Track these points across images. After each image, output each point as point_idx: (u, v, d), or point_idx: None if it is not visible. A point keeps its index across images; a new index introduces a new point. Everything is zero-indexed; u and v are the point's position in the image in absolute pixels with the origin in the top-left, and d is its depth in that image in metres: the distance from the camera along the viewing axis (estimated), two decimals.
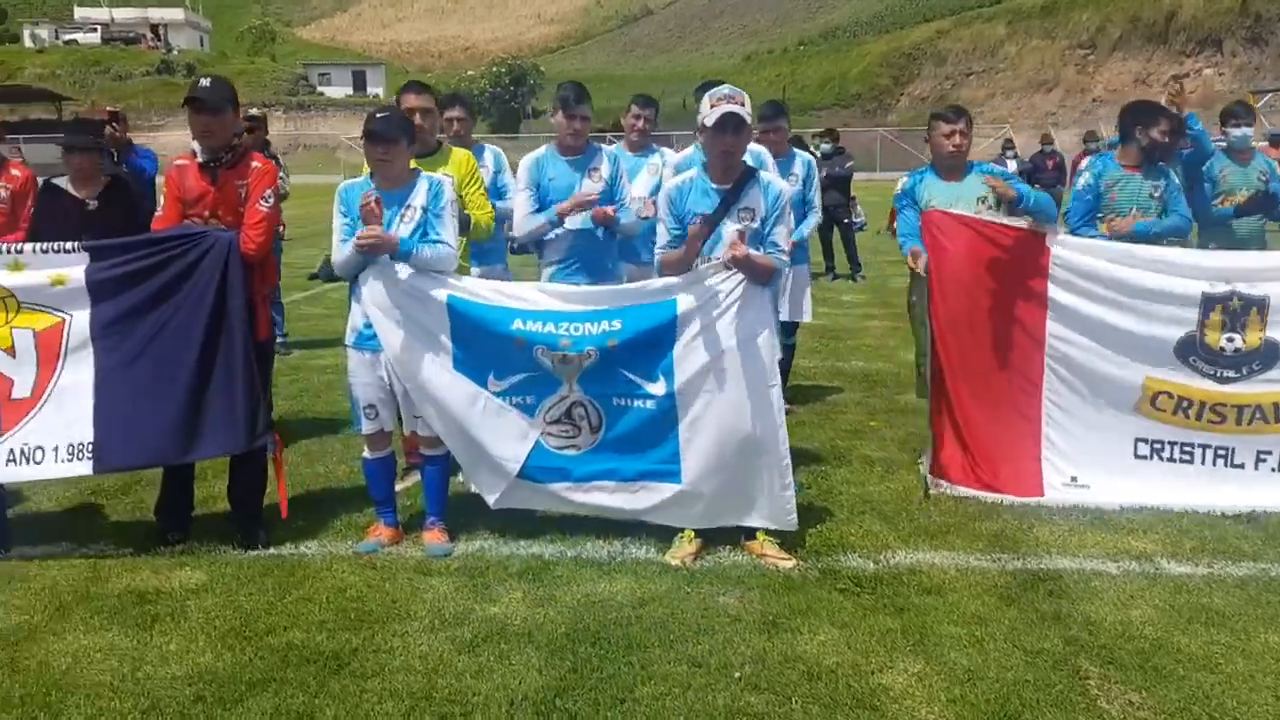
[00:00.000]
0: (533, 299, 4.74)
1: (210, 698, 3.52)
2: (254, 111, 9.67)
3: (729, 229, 4.52)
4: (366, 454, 4.88)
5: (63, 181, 5.89)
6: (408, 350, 4.64)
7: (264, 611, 4.15)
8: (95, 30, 77.12)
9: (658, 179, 6.99)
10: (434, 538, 4.78)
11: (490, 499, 4.82)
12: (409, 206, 4.66)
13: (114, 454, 4.61)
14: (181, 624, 4.06)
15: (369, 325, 4.68)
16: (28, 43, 75.98)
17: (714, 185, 4.63)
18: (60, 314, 4.63)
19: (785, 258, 4.66)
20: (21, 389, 4.59)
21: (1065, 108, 62.28)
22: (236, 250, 4.64)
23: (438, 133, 5.56)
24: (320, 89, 73.19)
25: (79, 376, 4.61)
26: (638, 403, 4.65)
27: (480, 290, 4.74)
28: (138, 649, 3.86)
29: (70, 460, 4.59)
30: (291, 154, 62.07)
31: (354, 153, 59.32)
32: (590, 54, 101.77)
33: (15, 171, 6.31)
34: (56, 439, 4.58)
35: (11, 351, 4.59)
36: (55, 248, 4.66)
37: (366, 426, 4.80)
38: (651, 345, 4.60)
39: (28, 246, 4.66)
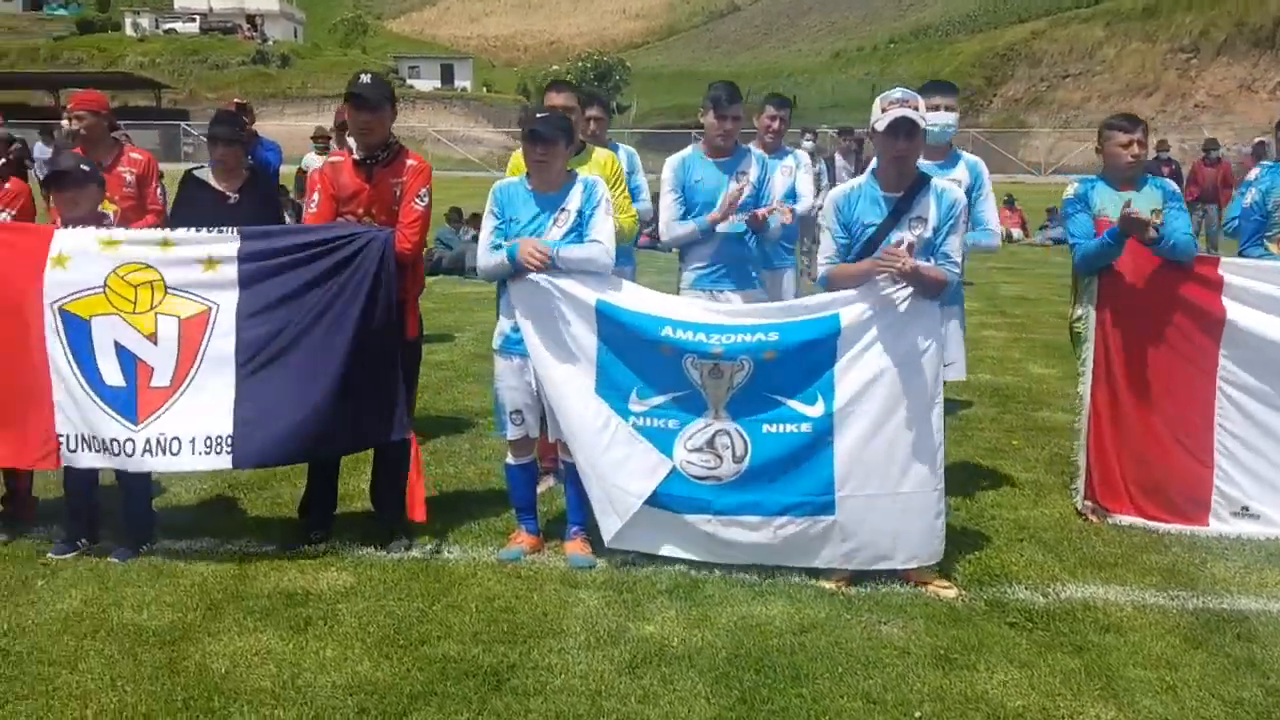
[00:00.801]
0: (685, 310, 4.59)
1: (374, 710, 3.44)
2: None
3: (900, 240, 4.32)
4: (510, 459, 4.77)
5: (204, 173, 5.91)
6: (550, 360, 4.51)
7: (415, 619, 4.07)
8: (194, 20, 78.92)
9: (792, 181, 6.81)
10: (577, 548, 4.66)
11: (606, 535, 4.55)
12: (563, 210, 4.54)
13: (253, 449, 4.57)
14: (335, 629, 3.99)
15: (516, 330, 4.57)
16: (129, 31, 78.09)
17: (884, 193, 4.42)
18: (206, 302, 4.60)
19: (957, 270, 4.43)
20: (161, 377, 4.57)
21: (1165, 113, 60.34)
22: (392, 249, 4.57)
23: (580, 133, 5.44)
24: (410, 81, 74.03)
25: (221, 367, 4.57)
26: (790, 428, 4.42)
27: (631, 296, 4.60)
28: (295, 654, 3.80)
29: (208, 453, 4.55)
30: None
31: (441, 145, 60.07)
32: (675, 50, 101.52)
33: (136, 155, 6.37)
34: (194, 430, 4.55)
35: (154, 338, 4.57)
36: (208, 229, 4.63)
37: (512, 432, 4.70)
38: (810, 361, 4.41)
39: (180, 229, 4.64)
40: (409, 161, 4.76)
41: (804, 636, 3.96)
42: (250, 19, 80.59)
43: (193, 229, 4.62)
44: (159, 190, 6.28)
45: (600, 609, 4.17)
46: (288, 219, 7.46)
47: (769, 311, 4.59)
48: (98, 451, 4.56)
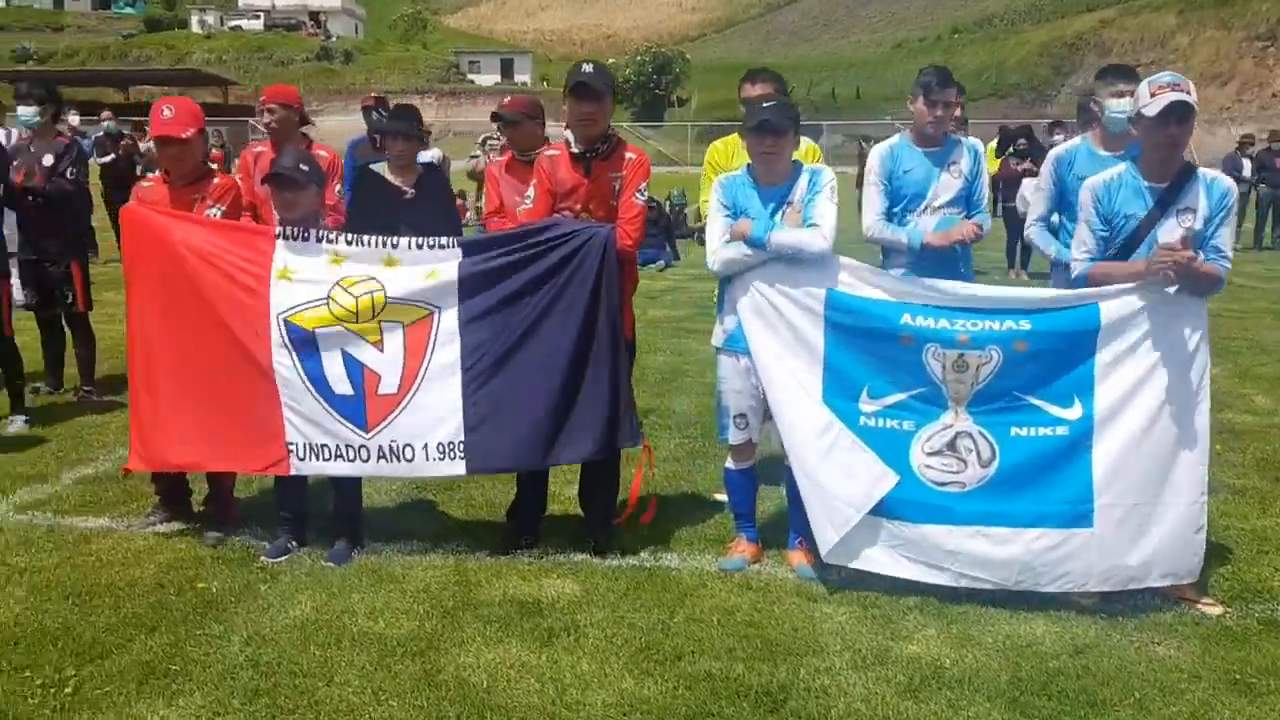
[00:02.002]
0: (925, 293, 4.33)
1: None
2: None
3: (1171, 231, 4.05)
4: (731, 464, 4.59)
5: (380, 168, 5.81)
6: (772, 358, 4.29)
7: (659, 632, 3.90)
8: (258, 17, 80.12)
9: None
10: (804, 559, 4.46)
11: (823, 548, 4.27)
12: (789, 203, 4.33)
13: (485, 454, 4.44)
14: (582, 642, 3.83)
15: (741, 326, 4.37)
16: (195, 28, 79.38)
17: (1148, 183, 4.16)
18: (429, 307, 4.47)
19: (1229, 264, 4.16)
20: (388, 385, 4.45)
21: (1241, 102, 58.83)
22: (613, 246, 4.40)
23: None
24: (470, 76, 74.40)
25: (447, 373, 4.44)
26: (1043, 430, 4.17)
27: (865, 281, 4.35)
28: (552, 669, 3.64)
29: (442, 459, 4.43)
30: (442, 140, 63.38)
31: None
32: (732, 42, 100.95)
33: (323, 152, 6.25)
34: (426, 436, 4.43)
35: (380, 346, 4.45)
36: (430, 243, 4.50)
37: (734, 436, 4.50)
38: (1066, 357, 4.15)
39: (403, 241, 4.51)
40: (628, 155, 4.58)
41: (1082, 659, 3.73)
42: (313, 15, 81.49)
43: (415, 243, 4.47)
44: (339, 189, 6.17)
45: (852, 625, 3.97)
46: None
47: (1019, 298, 4.31)
48: (328, 459, 4.45)
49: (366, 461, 4.46)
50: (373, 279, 4.45)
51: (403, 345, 4.45)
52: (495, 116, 9.15)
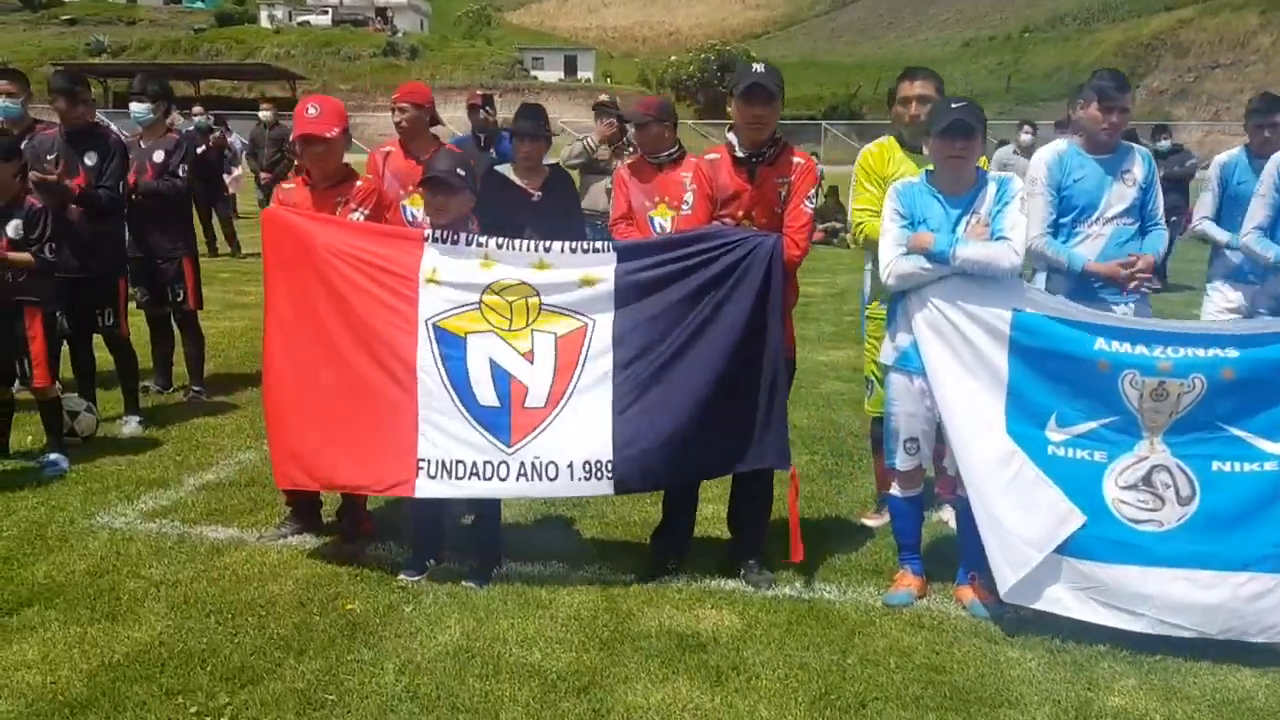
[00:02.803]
0: (1118, 319, 4.05)
1: None
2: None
3: None
4: (897, 491, 4.31)
5: (506, 169, 5.62)
6: (950, 380, 4.00)
7: (836, 674, 3.64)
8: (326, 12, 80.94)
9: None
10: (974, 594, 4.17)
11: (1002, 587, 3.96)
12: (974, 214, 4.05)
13: (634, 473, 4.21)
14: (755, 684, 3.58)
15: (916, 345, 4.10)
16: (265, 23, 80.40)
17: None
18: (582, 318, 4.25)
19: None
20: (536, 397, 4.23)
21: None
22: (780, 256, 4.15)
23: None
24: (533, 73, 74.51)
25: (597, 387, 4.22)
26: (1249, 466, 3.84)
27: (1055, 304, 4.07)
28: (727, 712, 3.41)
29: (588, 479, 4.20)
30: None
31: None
32: (796, 40, 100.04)
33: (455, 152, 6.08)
34: (572, 454, 4.20)
35: (530, 356, 4.24)
36: (584, 247, 4.29)
37: (904, 461, 4.22)
38: (1276, 387, 3.83)
39: (555, 245, 4.30)
40: (795, 159, 4.32)
41: None
42: (380, 11, 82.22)
43: (569, 248, 4.26)
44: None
45: (1043, 672, 3.68)
46: None
47: (1221, 326, 4.01)
48: (461, 478, 4.23)
49: (505, 480, 4.23)
50: (525, 284, 4.25)
51: (554, 357, 4.24)
52: (602, 107, 9.03)
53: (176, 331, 7.12)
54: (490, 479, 4.23)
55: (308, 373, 4.36)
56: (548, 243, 4.33)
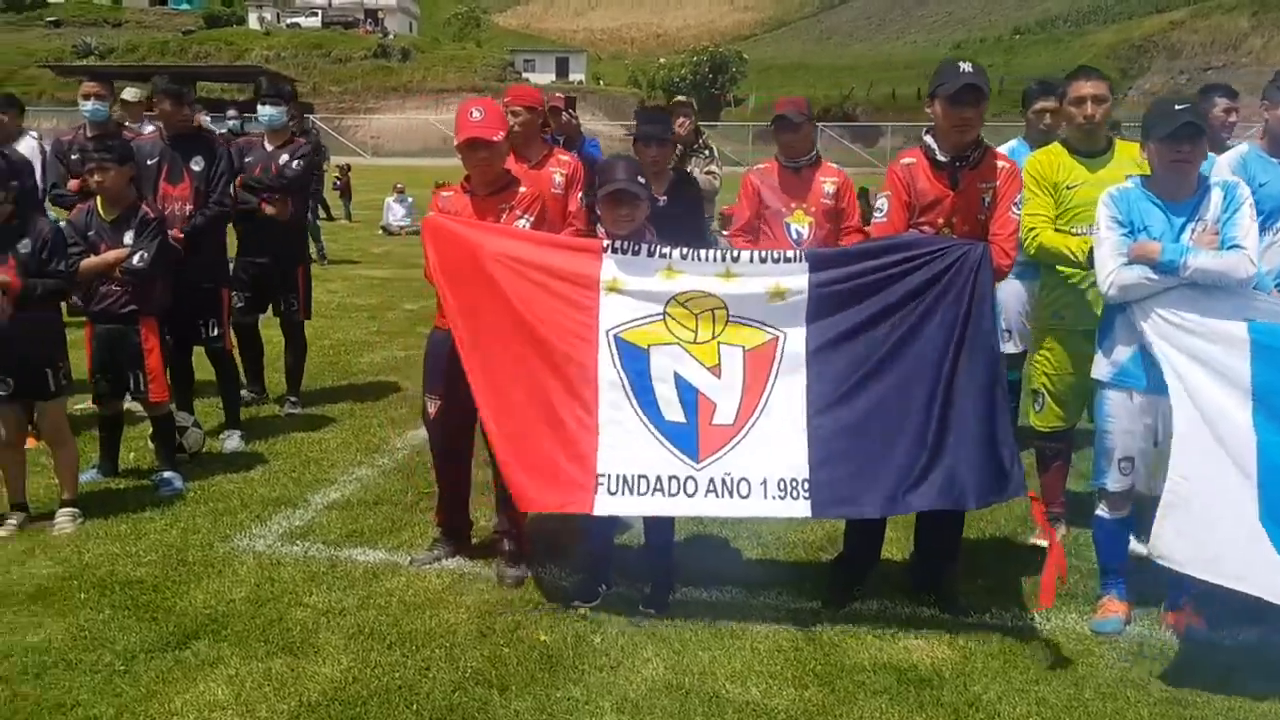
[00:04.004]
0: None
1: None
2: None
3: None
4: (1104, 512, 4.11)
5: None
6: (1194, 388, 3.78)
7: (1079, 709, 3.46)
8: (316, 14, 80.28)
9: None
10: (1191, 620, 3.97)
11: (1229, 582, 3.62)
12: (1200, 220, 3.84)
13: (832, 497, 3.98)
14: None
15: (1135, 359, 3.89)
16: (253, 25, 79.72)
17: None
18: (772, 331, 4.04)
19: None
20: (724, 414, 4.01)
21: None
22: (989, 265, 3.94)
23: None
24: (525, 75, 74.19)
25: (790, 404, 4.01)
26: None
27: None
28: None
29: (782, 498, 3.99)
30: None
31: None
32: (784, 42, 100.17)
33: (565, 157, 5.86)
34: (765, 472, 3.99)
35: (717, 371, 4.03)
36: (775, 256, 4.07)
37: (1116, 482, 4.01)
38: None
39: (744, 254, 4.09)
40: (999, 164, 4.12)
41: None
42: (370, 13, 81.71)
43: (759, 256, 4.05)
44: (581, 196, 5.77)
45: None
46: None
47: None
48: (643, 494, 4.01)
49: (692, 496, 4.01)
50: (712, 295, 4.04)
51: (742, 372, 4.02)
52: (678, 106, 8.72)
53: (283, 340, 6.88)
54: (676, 495, 4.00)
55: (490, 384, 4.13)
56: (735, 251, 4.12)
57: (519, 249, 4.16)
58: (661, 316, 4.05)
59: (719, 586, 4.34)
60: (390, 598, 4.18)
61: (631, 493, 4.01)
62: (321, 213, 16.75)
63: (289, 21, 79.49)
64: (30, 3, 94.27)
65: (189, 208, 5.82)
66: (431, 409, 4.46)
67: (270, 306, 6.79)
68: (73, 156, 6.55)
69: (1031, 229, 4.53)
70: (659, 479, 4.00)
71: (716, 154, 8.03)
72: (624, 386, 4.01)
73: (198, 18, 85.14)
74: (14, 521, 4.76)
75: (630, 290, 4.06)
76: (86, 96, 6.54)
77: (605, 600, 4.18)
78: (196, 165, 5.85)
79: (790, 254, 4.07)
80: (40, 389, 4.75)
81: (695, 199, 5.90)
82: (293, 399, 6.86)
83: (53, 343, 4.80)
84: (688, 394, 4.01)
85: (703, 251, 4.10)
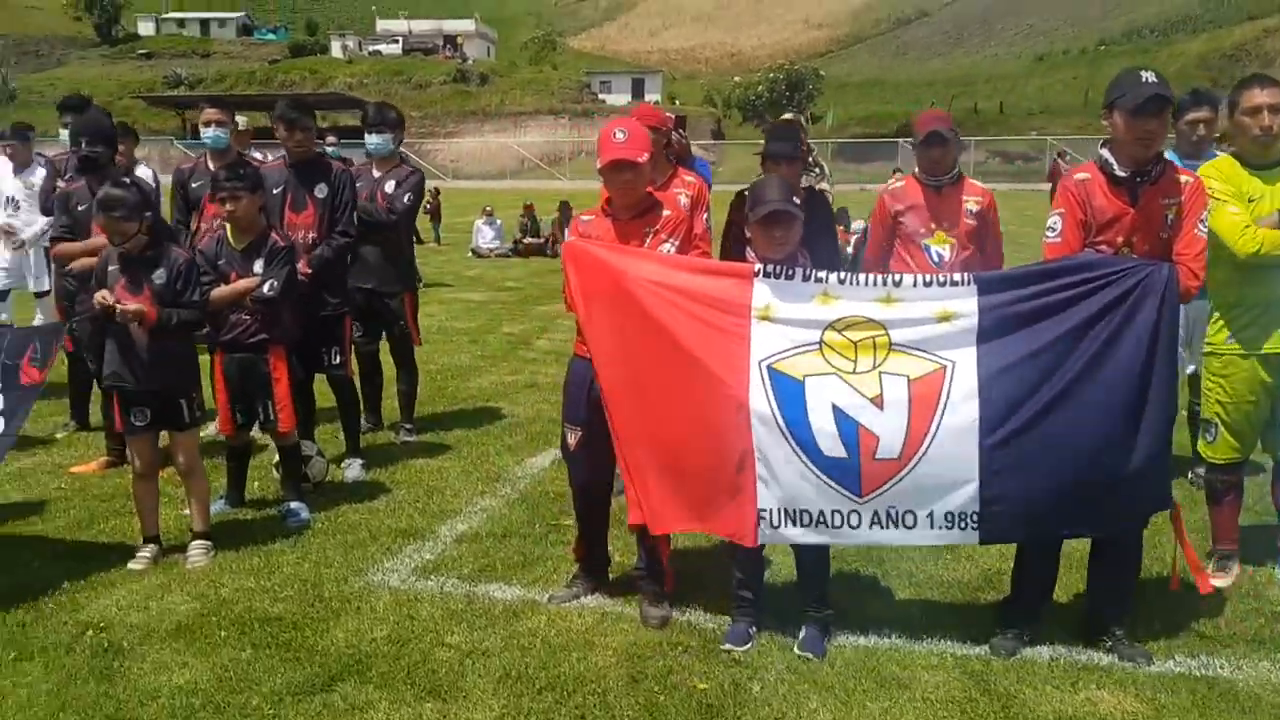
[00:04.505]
0: None
1: None
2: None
3: None
4: None
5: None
6: None
7: None
8: (396, 41, 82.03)
9: None
10: None
11: None
12: None
13: (1001, 526, 3.77)
14: None
15: None
16: (337, 53, 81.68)
17: None
18: (938, 360, 3.80)
19: None
20: (888, 449, 3.78)
21: None
22: (1175, 288, 3.67)
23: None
24: (601, 96, 74.75)
25: (960, 435, 3.76)
26: None
27: None
28: None
29: (949, 528, 3.77)
30: (573, 159, 63.61)
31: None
32: (860, 58, 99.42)
33: (690, 178, 5.72)
34: (933, 504, 3.76)
35: (879, 402, 3.80)
36: (940, 279, 3.85)
37: None
38: None
39: (906, 278, 3.87)
40: (1183, 178, 3.86)
41: None
42: (449, 39, 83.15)
43: (923, 280, 3.84)
44: (705, 218, 5.61)
45: None
46: None
47: None
48: (807, 526, 3.84)
49: (857, 528, 3.82)
50: (872, 321, 3.83)
51: (907, 404, 3.78)
52: (786, 125, 8.56)
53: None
54: (840, 527, 3.83)
55: (638, 412, 3.98)
56: (897, 275, 3.90)
57: (665, 274, 4.00)
58: (818, 345, 3.85)
59: (876, 630, 4.10)
60: (534, 638, 4.02)
61: (795, 524, 3.85)
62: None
63: (370, 49, 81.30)
64: (122, 36, 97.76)
65: (313, 235, 5.79)
66: (572, 440, 4.31)
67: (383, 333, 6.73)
68: (193, 184, 6.59)
69: (1246, 226, 4.21)
70: (822, 513, 3.82)
71: (828, 171, 7.82)
72: (778, 422, 3.81)
73: (283, 47, 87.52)
74: (147, 554, 4.72)
75: (784, 318, 3.87)
76: (208, 123, 6.56)
77: (757, 643, 3.98)
78: (320, 193, 5.82)
79: (957, 277, 3.84)
80: (175, 419, 4.72)
81: (827, 218, 5.71)
82: (407, 426, 6.79)
83: (188, 373, 4.77)
84: (848, 428, 3.79)
85: (861, 276, 3.89)
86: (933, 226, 5.27)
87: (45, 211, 7.01)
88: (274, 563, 4.72)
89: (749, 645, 3.96)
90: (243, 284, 5.09)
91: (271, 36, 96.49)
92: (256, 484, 5.74)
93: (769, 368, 3.84)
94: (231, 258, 5.13)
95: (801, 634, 3.99)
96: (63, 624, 4.12)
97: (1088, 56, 73.35)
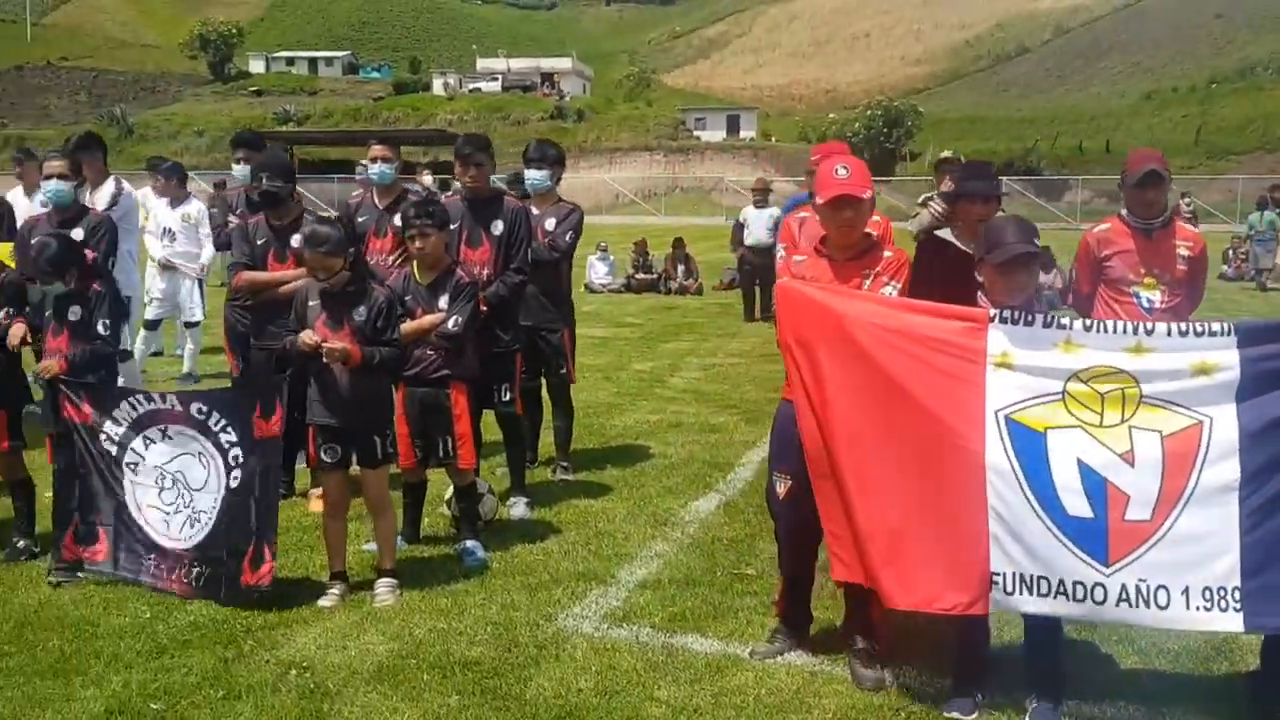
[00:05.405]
0: None
1: None
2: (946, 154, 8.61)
3: None
4: None
5: (946, 234, 5.06)
6: None
7: None
8: (496, 79, 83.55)
9: None
10: None
11: None
12: None
13: (1272, 608, 3.46)
14: None
15: None
16: (439, 90, 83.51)
17: None
18: (1195, 415, 3.55)
19: None
20: (1139, 509, 3.53)
21: None
22: None
23: None
24: (695, 133, 75.00)
25: (1220, 498, 3.50)
26: None
27: None
28: None
29: (1209, 609, 3.48)
30: (668, 196, 63.83)
31: (728, 195, 59.90)
32: (958, 95, 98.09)
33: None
34: (1188, 578, 3.49)
35: (1130, 458, 3.55)
36: (1196, 329, 3.60)
37: None
38: None
39: (1158, 326, 3.64)
40: None
41: None
42: (546, 76, 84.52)
43: (1178, 329, 3.60)
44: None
45: None
46: None
47: None
48: (1045, 595, 3.58)
49: (1102, 603, 3.55)
50: (1121, 372, 3.59)
51: (1160, 460, 3.54)
52: (946, 164, 8.30)
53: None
54: (1083, 600, 3.55)
55: (855, 462, 3.79)
56: (1149, 324, 3.68)
57: (888, 317, 3.83)
58: (1060, 396, 3.62)
59: (1108, 701, 3.83)
60: (744, 696, 3.84)
61: (1031, 593, 3.59)
62: None
63: (470, 87, 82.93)
64: (234, 74, 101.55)
65: (487, 272, 5.75)
66: (781, 489, 4.14)
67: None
68: (359, 219, 6.63)
69: None
70: (1062, 584, 3.56)
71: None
72: (1016, 475, 3.60)
73: (387, 85, 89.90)
74: (336, 591, 4.67)
75: (1023, 366, 3.66)
76: (374, 160, 6.61)
77: (983, 712, 3.74)
78: (495, 229, 5.79)
79: (1215, 326, 3.59)
80: (369, 456, 4.68)
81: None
82: (564, 464, 6.70)
83: (384, 411, 4.74)
84: (1094, 484, 3.55)
85: (1109, 323, 3.67)
86: (1142, 272, 5.00)
87: (220, 245, 7.13)
88: (461, 604, 4.63)
89: (975, 715, 3.72)
90: (428, 319, 5.06)
91: (376, 75, 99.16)
92: (426, 519, 5.68)
93: (1007, 418, 3.64)
94: (418, 293, 5.12)
95: (1032, 707, 3.73)
96: (264, 662, 4.08)
97: (1198, 94, 71.18)
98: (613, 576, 5.01)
